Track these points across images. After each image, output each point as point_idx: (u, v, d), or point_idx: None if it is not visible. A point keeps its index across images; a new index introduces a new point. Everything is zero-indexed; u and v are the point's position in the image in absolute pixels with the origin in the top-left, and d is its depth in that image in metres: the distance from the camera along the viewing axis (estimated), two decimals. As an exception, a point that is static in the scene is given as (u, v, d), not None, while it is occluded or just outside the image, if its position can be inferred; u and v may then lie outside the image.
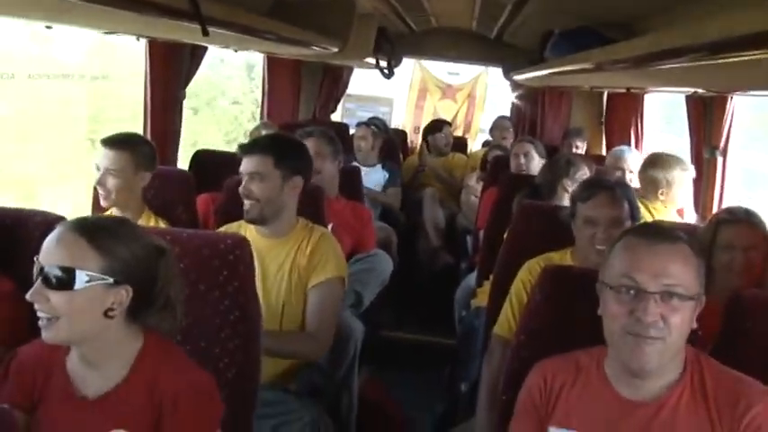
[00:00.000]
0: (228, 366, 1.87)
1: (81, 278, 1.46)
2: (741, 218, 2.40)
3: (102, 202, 2.77)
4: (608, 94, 5.83)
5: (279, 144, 2.68)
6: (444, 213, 5.55)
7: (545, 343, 1.85)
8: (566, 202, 2.97)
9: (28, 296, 1.48)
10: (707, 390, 1.59)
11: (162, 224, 2.78)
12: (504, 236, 3.16)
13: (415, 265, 5.25)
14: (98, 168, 2.73)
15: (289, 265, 2.54)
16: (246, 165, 2.61)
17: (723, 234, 2.37)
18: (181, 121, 3.77)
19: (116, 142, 2.72)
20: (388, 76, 5.49)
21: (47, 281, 1.46)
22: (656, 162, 3.64)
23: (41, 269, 1.47)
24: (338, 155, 3.52)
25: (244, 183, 2.59)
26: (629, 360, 1.56)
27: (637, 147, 5.16)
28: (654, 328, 1.53)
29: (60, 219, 1.95)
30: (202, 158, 3.77)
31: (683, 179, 3.58)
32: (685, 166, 3.63)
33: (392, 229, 4.65)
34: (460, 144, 6.82)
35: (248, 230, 2.59)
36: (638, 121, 5.26)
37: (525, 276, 2.52)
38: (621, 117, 5.50)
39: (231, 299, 1.89)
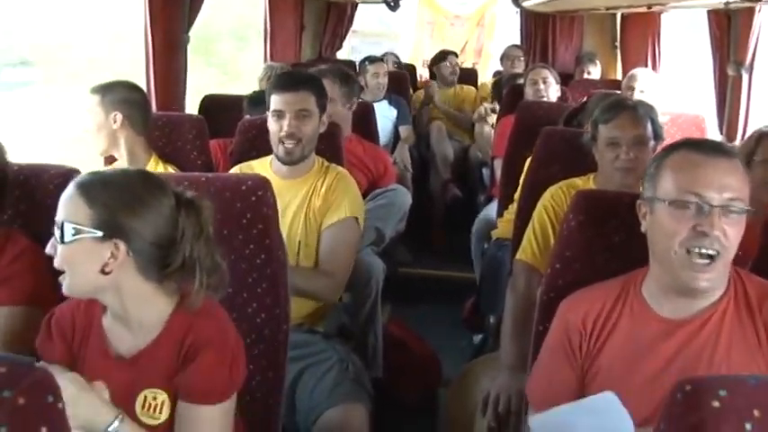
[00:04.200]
0: (257, 311, 1.84)
1: (68, 231, 1.44)
2: None
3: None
4: (622, 16, 5.68)
5: (315, 80, 2.64)
6: (455, 146, 5.52)
7: (580, 270, 1.82)
8: None
9: (46, 250, 1.48)
10: (751, 303, 1.57)
11: (171, 170, 2.75)
12: (526, 165, 3.13)
13: (427, 200, 5.24)
14: None
15: (305, 205, 2.52)
16: (292, 102, 2.52)
17: (764, 147, 2.31)
18: (186, 65, 3.69)
19: (92, 88, 2.73)
20: (394, 8, 5.35)
21: (56, 235, 1.46)
22: None
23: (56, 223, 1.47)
24: (352, 97, 3.42)
25: (288, 121, 2.50)
26: (687, 278, 1.53)
27: (654, 69, 5.04)
28: (717, 242, 1.50)
29: (75, 171, 1.92)
30: (210, 103, 3.73)
31: None
32: None
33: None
34: (470, 75, 6.72)
35: (263, 171, 2.55)
36: (656, 41, 5.13)
37: (548, 202, 2.49)
38: (637, 39, 5.38)
39: (256, 242, 1.86)
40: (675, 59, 5.63)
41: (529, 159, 3.07)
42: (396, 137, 5.09)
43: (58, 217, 1.46)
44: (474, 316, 3.54)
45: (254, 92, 3.54)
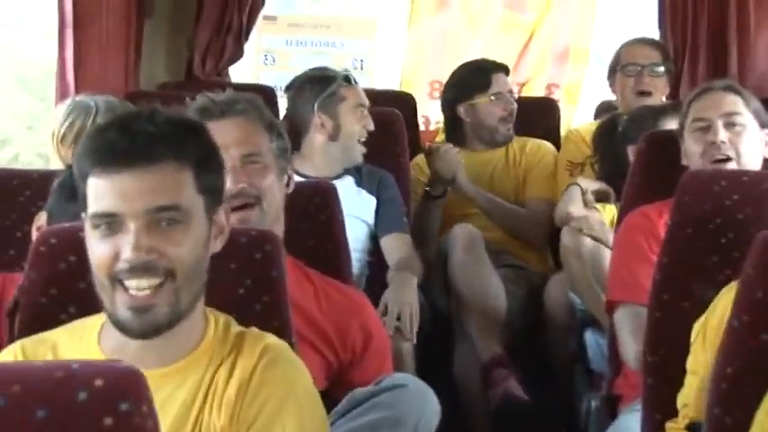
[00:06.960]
0: None
1: None
2: None
3: None
4: None
5: (193, 129, 2.77)
6: (512, 281, 5.72)
7: None
8: None
9: None
10: None
11: None
12: (698, 322, 3.27)
13: (455, 406, 5.33)
14: None
15: (190, 425, 2.67)
16: (138, 192, 2.59)
17: None
18: None
19: None
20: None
21: None
22: None
23: None
24: (287, 160, 3.73)
25: (135, 236, 2.57)
26: None
27: None
28: None
29: None
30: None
31: None
32: None
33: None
34: (540, 115, 6.97)
35: (82, 354, 2.67)
36: None
37: None
38: None
39: None
40: None
41: (716, 309, 3.18)
42: (377, 258, 5.28)
43: None
44: None
45: (66, 171, 3.60)
